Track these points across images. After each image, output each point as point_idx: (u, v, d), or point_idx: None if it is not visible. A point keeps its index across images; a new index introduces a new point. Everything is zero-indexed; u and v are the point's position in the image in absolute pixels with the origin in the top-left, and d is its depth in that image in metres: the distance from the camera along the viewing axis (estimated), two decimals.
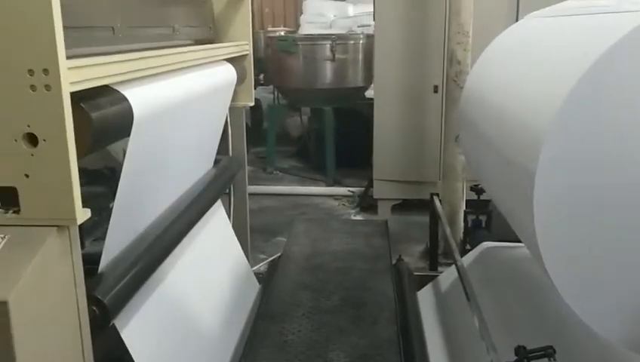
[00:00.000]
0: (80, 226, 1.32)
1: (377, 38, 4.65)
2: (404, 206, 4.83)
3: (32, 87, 1.15)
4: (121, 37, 1.83)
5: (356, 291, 2.41)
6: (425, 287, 2.94)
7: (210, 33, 2.89)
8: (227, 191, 3.12)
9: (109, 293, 1.53)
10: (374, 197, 4.88)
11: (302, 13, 8.12)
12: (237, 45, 2.84)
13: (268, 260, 3.52)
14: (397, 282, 2.80)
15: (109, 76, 1.40)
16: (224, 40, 2.94)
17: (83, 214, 1.26)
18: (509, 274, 2.46)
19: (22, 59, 1.14)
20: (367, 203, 5.07)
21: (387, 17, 4.54)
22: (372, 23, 5.03)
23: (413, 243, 4.20)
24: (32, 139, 1.19)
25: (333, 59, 5.61)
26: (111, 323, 1.55)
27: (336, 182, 5.77)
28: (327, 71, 5.68)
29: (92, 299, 1.45)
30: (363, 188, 5.22)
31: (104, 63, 1.37)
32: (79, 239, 1.32)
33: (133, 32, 1.93)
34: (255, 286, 2.98)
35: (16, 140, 1.19)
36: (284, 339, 2.06)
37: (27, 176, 1.21)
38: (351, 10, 7.62)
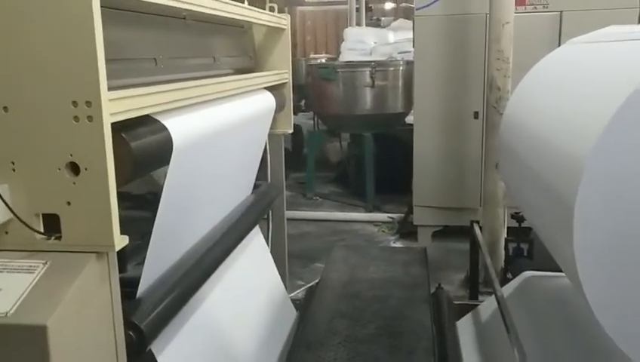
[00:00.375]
0: (122, 250, 1.35)
1: (417, 64, 4.65)
2: (444, 232, 4.76)
3: (76, 118, 1.20)
4: (163, 67, 1.89)
5: (393, 320, 2.37)
6: (464, 317, 2.88)
7: (251, 62, 2.95)
8: (266, 216, 3.15)
9: (147, 319, 1.55)
10: (414, 223, 4.83)
11: (343, 40, 8.20)
12: (276, 74, 2.89)
13: (306, 287, 3.52)
14: (436, 311, 2.75)
15: (149, 107, 1.44)
16: (265, 68, 2.99)
17: (121, 241, 1.29)
18: (551, 305, 2.39)
19: (66, 91, 1.19)
20: (407, 229, 5.03)
21: (426, 43, 4.54)
22: (412, 49, 5.04)
23: (453, 270, 4.13)
24: (74, 168, 1.23)
25: (372, 86, 5.63)
26: (148, 349, 1.58)
27: (376, 208, 5.75)
28: (367, 97, 5.71)
29: (129, 324, 1.48)
30: (403, 215, 5.18)
31: (144, 94, 1.41)
32: (117, 265, 1.35)
33: (174, 63, 1.99)
34: (292, 313, 2.97)
35: (59, 169, 1.23)
36: None
37: (69, 203, 1.25)
38: (391, 37, 7.66)
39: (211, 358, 2.05)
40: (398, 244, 4.86)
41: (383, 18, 13.57)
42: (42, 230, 1.27)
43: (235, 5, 2.25)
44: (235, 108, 2.21)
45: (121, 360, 1.38)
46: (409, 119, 5.59)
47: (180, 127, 1.62)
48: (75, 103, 1.19)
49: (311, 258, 4.41)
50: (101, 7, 1.26)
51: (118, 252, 1.71)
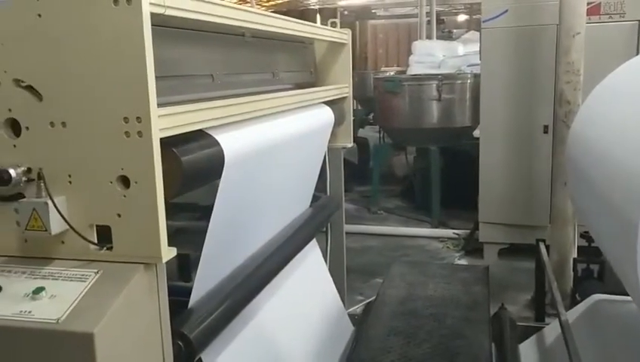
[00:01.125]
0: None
1: (483, 77, 4.55)
2: (512, 250, 4.61)
3: (127, 133, 1.24)
4: (220, 83, 1.93)
5: (450, 340, 2.31)
6: (528, 340, 2.76)
7: (311, 77, 2.97)
8: (324, 230, 3.15)
9: (196, 329, 1.58)
10: (480, 240, 4.70)
11: (412, 53, 8.14)
12: (336, 88, 2.90)
13: (364, 302, 3.49)
14: (497, 332, 2.66)
15: (200, 122, 1.48)
16: (325, 82, 3.01)
17: (168, 253, 1.32)
18: (621, 331, 2.25)
19: (118, 107, 1.24)
20: (472, 246, 4.90)
21: (494, 56, 4.44)
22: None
23: (519, 290, 3.98)
24: (125, 182, 1.28)
25: (439, 99, 5.55)
26: (197, 358, 1.60)
27: (442, 224, 5.63)
28: (434, 111, 5.63)
29: (178, 334, 1.51)
30: (468, 231, 5.05)
31: (194, 110, 1.45)
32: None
33: (232, 79, 2.03)
34: (349, 329, 2.95)
35: (111, 182, 1.28)
36: None
37: (119, 215, 1.29)
38: (461, 49, 7.54)
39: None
40: (463, 261, 4.74)
41: (454, 30, 13.38)
42: (95, 241, 1.32)
43: (294, 22, 2.28)
44: (292, 122, 2.23)
45: None
46: (477, 133, 5.47)
47: (232, 142, 1.65)
48: (126, 119, 1.24)
49: (372, 273, 4.37)
50: (160, 26, 1.31)
51: (180, 261, 1.77)
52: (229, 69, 2.02)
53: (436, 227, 5.61)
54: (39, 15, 1.25)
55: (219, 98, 1.73)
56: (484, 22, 4.45)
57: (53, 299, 1.23)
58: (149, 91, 1.22)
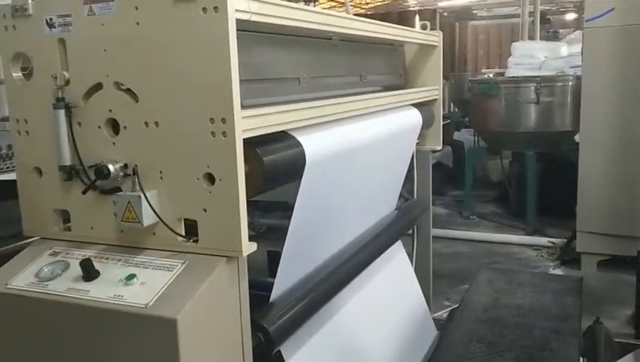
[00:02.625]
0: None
1: (585, 80, 4.34)
2: (613, 262, 4.35)
3: (212, 133, 1.32)
4: (306, 86, 1.99)
5: (535, 350, 2.24)
6: (625, 357, 2.61)
7: (401, 79, 2.97)
8: (411, 233, 3.14)
9: (276, 323, 1.64)
10: (577, 250, 4.48)
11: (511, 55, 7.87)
12: (425, 90, 2.88)
13: (450, 308, 3.43)
14: (590, 347, 2.54)
15: (282, 124, 1.54)
16: (415, 85, 3.00)
17: (249, 247, 1.39)
18: None
19: (205, 109, 1.32)
20: (569, 256, 4.67)
21: (597, 57, 4.22)
22: None
23: (619, 305, 3.76)
24: (210, 178, 1.36)
25: (537, 102, 5.34)
26: (275, 351, 1.66)
27: (537, 231, 5.42)
28: (531, 114, 5.42)
29: (259, 327, 1.58)
30: (565, 240, 4.83)
31: (275, 113, 1.51)
32: (247, 270, 1.45)
33: (318, 82, 2.08)
34: (432, 332, 2.92)
35: (198, 179, 1.36)
36: None
37: (205, 210, 1.37)
38: (564, 50, 7.19)
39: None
40: (558, 271, 4.53)
41: (561, 30, 12.77)
42: (183, 233, 1.42)
43: (382, 25, 2.30)
44: (378, 124, 2.25)
45: (247, 359, 1.48)
46: (578, 138, 5.21)
47: (314, 143, 1.70)
48: (212, 120, 1.32)
49: (461, 279, 4.28)
50: (247, 31, 1.38)
51: (270, 258, 1.84)
52: (316, 72, 2.07)
53: (530, 234, 5.40)
54: (137, 23, 1.35)
55: (305, 100, 1.79)
56: (587, 21, 4.24)
57: (143, 285, 1.34)
58: (233, 94, 1.29)
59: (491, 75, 8.65)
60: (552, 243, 5.02)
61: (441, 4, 14.13)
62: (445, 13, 15.08)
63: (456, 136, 8.46)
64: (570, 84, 5.34)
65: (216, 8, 1.26)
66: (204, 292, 1.31)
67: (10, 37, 1.51)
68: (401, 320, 2.67)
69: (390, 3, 14.05)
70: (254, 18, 1.37)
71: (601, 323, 2.80)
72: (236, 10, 1.28)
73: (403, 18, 13.48)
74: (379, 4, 14.04)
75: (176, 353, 1.23)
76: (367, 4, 13.96)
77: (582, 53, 4.44)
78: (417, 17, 2.44)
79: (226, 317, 1.40)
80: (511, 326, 2.46)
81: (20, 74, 1.54)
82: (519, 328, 2.43)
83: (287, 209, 2.32)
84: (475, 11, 15.72)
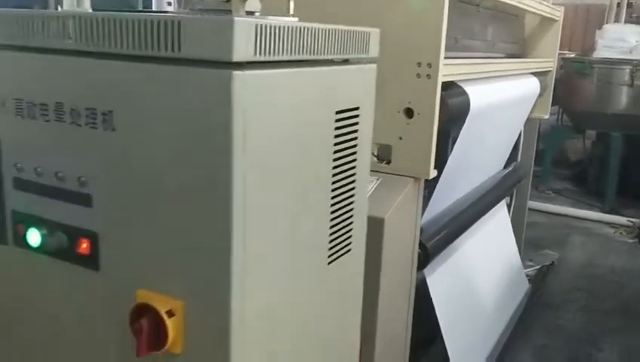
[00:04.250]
0: None
1: None
2: None
3: (417, 75, 1.62)
4: (459, 45, 2.26)
5: (633, 303, 2.49)
6: None
7: (520, 49, 3.19)
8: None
9: (430, 241, 1.96)
10: None
11: (597, 37, 7.84)
12: (544, 61, 3.10)
13: (536, 267, 3.69)
14: None
15: (463, 74, 1.83)
16: (530, 56, 3.21)
17: (433, 172, 1.70)
18: None
19: (414, 55, 1.61)
20: None
21: None
22: None
23: None
24: (409, 113, 1.66)
25: (631, 85, 5.42)
26: (427, 265, 1.99)
27: (614, 211, 5.55)
28: (623, 96, 5.51)
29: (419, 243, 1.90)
30: None
31: (459, 65, 1.80)
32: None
33: (466, 43, 2.35)
34: (524, 284, 3.20)
35: (398, 112, 1.67)
36: (556, 323, 2.28)
37: (400, 138, 1.68)
38: None
39: (464, 291, 2.40)
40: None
41: None
42: (376, 155, 1.73)
43: None
44: (511, 87, 2.51)
45: (414, 266, 1.81)
46: None
47: (475, 94, 1.98)
48: (419, 64, 1.62)
49: (541, 245, 4.50)
50: None
51: None
52: (466, 34, 2.33)
53: (608, 213, 5.54)
54: None
55: (458, 58, 2.06)
56: None
57: None
58: (441, 44, 1.59)
59: (573, 56, 8.60)
60: (632, 222, 5.17)
61: None
62: None
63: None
64: None
65: None
66: (400, 202, 1.63)
67: None
68: (502, 266, 2.96)
69: None
70: None
71: None
72: None
73: None
74: None
75: (380, 247, 1.56)
76: None
77: None
78: None
79: (408, 227, 1.73)
80: (608, 281, 2.71)
81: None
82: (616, 284, 2.68)
83: None
84: None
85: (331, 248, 1.07)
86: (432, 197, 2.04)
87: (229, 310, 0.79)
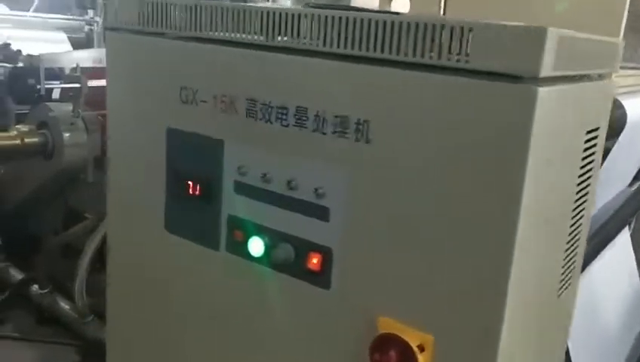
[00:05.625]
0: None
1: None
2: None
3: None
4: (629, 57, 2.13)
5: None
6: None
7: None
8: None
9: None
10: None
11: None
12: None
13: None
14: None
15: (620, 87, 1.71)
16: None
17: None
18: None
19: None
20: None
21: None
22: None
23: None
24: None
25: None
26: None
27: None
28: None
29: None
30: None
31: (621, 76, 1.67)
32: None
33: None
34: None
35: None
36: None
37: None
38: None
39: (589, 314, 2.27)
40: None
41: None
42: None
43: None
44: None
45: None
46: None
47: (630, 107, 1.86)
48: None
49: None
50: None
51: None
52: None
53: None
54: None
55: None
56: None
57: None
58: (619, 45, 1.47)
59: None
60: None
61: None
62: None
63: None
64: None
65: None
66: None
67: None
68: (626, 289, 2.80)
69: None
70: None
71: None
72: None
73: None
74: None
75: None
76: None
77: None
78: None
79: None
80: None
81: None
82: None
83: None
84: None
85: (562, 279, 0.97)
86: None
87: (497, 351, 0.71)
